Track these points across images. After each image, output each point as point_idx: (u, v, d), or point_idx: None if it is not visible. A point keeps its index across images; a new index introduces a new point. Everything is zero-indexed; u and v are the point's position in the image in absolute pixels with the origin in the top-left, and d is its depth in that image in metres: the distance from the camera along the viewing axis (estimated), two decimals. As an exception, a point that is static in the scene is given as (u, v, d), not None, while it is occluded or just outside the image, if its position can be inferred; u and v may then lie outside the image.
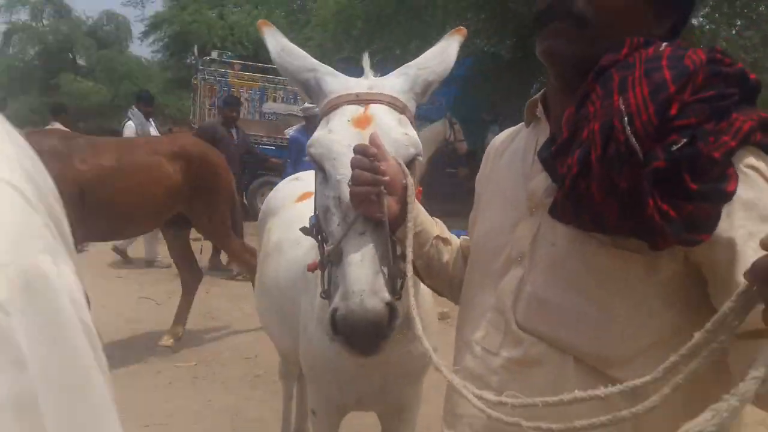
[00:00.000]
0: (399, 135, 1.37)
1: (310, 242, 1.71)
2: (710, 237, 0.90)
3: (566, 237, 1.05)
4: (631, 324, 0.99)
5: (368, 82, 1.51)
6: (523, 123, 1.31)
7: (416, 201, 1.32)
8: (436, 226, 1.40)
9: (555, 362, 1.04)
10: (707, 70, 0.91)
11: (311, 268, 1.48)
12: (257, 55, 24.90)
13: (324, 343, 1.79)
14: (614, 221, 0.94)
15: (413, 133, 1.43)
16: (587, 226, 1.00)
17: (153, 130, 8.07)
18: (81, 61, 36.14)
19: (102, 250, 8.37)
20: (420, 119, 7.76)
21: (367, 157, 1.21)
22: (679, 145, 0.88)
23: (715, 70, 0.92)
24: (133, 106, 8.24)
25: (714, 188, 0.89)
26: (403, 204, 1.27)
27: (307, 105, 7.42)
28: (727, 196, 0.90)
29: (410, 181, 1.29)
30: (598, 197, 0.94)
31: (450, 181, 11.55)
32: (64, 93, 31.50)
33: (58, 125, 9.17)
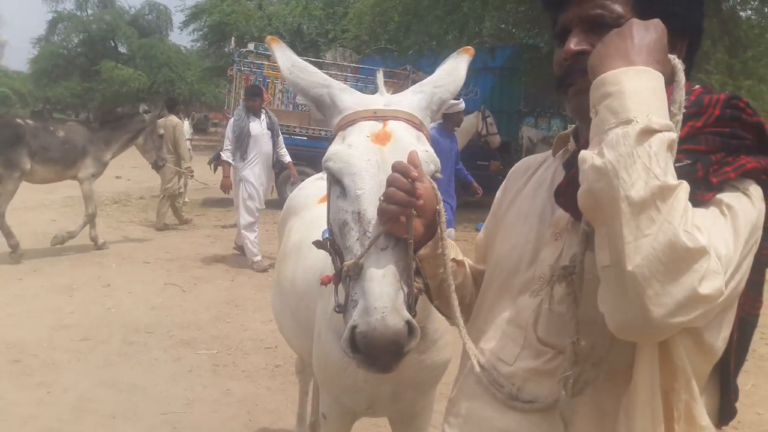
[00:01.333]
0: (421, 153, 1.33)
1: None
2: None
3: (586, 260, 1.09)
4: None
5: (384, 99, 1.48)
6: (549, 153, 1.39)
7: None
8: (452, 249, 1.40)
9: (566, 361, 1.10)
10: (728, 112, 1.02)
11: (324, 282, 1.41)
12: (293, 45, 25.09)
13: (336, 350, 1.78)
14: None
15: (431, 150, 1.39)
16: (580, 214, 1.06)
17: (256, 125, 7.29)
18: (122, 49, 36.88)
19: (130, 237, 8.49)
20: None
21: (406, 177, 1.19)
22: (682, 164, 0.95)
23: (735, 114, 1.02)
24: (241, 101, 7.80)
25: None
26: (429, 227, 1.28)
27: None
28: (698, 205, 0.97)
29: (442, 207, 1.29)
30: None
31: (481, 174, 11.41)
32: (104, 79, 32.26)
33: (173, 117, 9.67)
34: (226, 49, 25.40)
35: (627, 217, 0.85)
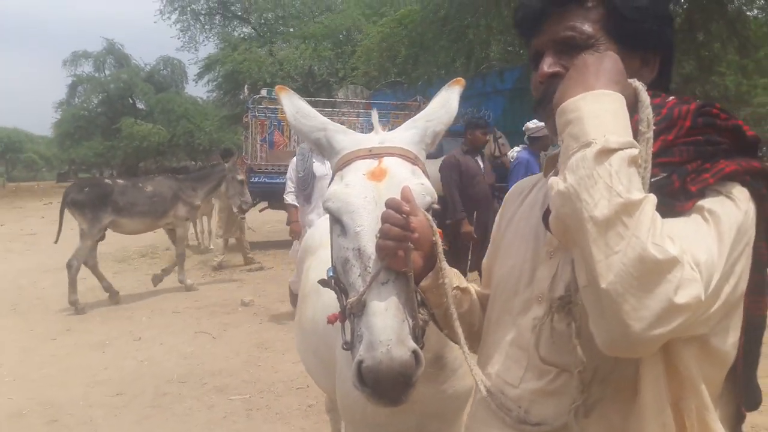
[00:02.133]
0: (414, 185, 1.37)
1: None
2: None
3: None
4: None
5: (379, 137, 1.52)
6: (541, 174, 1.41)
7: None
8: (455, 277, 1.41)
9: (574, 390, 1.08)
10: (700, 120, 1.02)
11: (331, 321, 1.44)
12: (306, 87, 25.55)
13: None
14: None
15: (428, 182, 1.43)
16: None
17: (319, 165, 6.20)
18: (140, 105, 37.87)
19: (159, 288, 8.61)
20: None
21: (399, 213, 1.22)
22: (658, 177, 0.98)
23: (708, 121, 1.02)
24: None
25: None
26: (428, 258, 1.30)
27: (530, 125, 6.96)
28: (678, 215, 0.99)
29: (438, 238, 1.31)
30: None
31: (501, 195, 11.34)
32: (125, 136, 33.08)
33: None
34: (241, 97, 25.93)
35: (594, 236, 0.86)
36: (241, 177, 8.82)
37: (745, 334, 1.05)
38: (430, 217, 1.34)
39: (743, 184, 1.01)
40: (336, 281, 1.39)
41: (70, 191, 7.83)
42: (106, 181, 8.30)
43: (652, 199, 0.89)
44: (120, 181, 8.34)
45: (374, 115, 1.67)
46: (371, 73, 17.08)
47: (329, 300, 2.15)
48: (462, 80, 1.67)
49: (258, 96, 13.44)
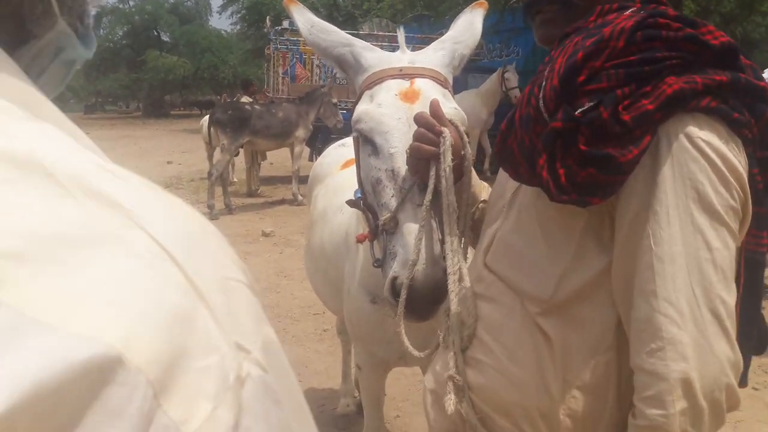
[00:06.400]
0: (449, 109, 1.34)
1: (351, 209, 1.73)
2: (602, 201, 0.94)
3: (530, 190, 1.10)
4: (566, 267, 1.05)
5: (408, 57, 1.49)
6: None
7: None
8: (484, 191, 1.39)
9: (507, 301, 1.14)
10: (639, 35, 0.89)
11: (360, 240, 1.47)
12: (331, 18, 25.13)
13: (366, 305, 1.86)
14: (526, 175, 1.03)
15: (459, 108, 1.41)
16: (512, 176, 1.11)
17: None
18: (165, 38, 37.56)
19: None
20: (487, 72, 7.51)
21: (431, 131, 1.22)
22: (584, 108, 0.89)
23: (650, 34, 0.89)
24: None
25: (605, 156, 0.88)
26: (458, 171, 1.28)
27: None
28: (620, 168, 0.89)
29: (469, 150, 1.30)
30: (516, 152, 1.03)
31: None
32: (150, 69, 32.95)
33: (245, 98, 11.45)
34: (264, 29, 25.63)
35: None
36: (335, 101, 9.75)
37: (747, 271, 0.97)
38: (462, 130, 1.31)
39: (706, 112, 0.89)
40: (364, 202, 1.41)
41: (216, 112, 9.22)
42: (246, 106, 9.53)
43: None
44: (257, 107, 9.60)
45: (400, 33, 1.62)
46: (397, 6, 16.70)
47: (336, 225, 2.22)
48: (485, 2, 1.62)
49: (280, 27, 13.22)
